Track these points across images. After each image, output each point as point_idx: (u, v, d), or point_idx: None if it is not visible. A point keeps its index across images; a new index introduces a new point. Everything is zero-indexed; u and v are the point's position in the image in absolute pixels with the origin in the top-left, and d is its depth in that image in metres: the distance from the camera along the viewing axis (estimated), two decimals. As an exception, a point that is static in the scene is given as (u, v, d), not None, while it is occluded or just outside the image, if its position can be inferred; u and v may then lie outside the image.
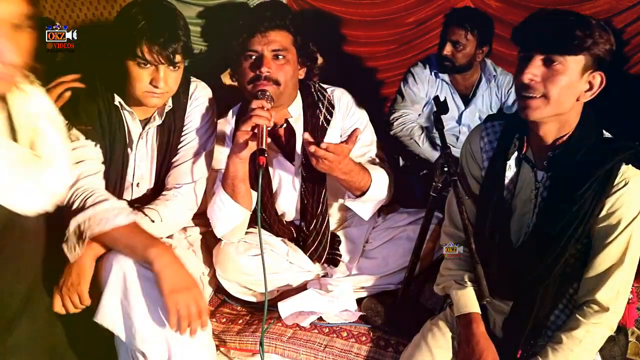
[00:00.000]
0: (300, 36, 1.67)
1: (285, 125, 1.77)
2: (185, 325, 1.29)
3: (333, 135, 1.76)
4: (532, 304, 1.30)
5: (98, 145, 1.53)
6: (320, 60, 3.10)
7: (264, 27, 1.59)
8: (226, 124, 1.76)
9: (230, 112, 1.79)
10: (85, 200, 1.41)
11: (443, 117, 1.63)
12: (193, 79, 1.70)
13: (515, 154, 1.34)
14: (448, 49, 2.42)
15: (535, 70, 1.18)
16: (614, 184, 1.21)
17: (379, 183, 1.67)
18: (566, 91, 1.18)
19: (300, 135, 1.74)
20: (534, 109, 1.21)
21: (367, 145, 1.78)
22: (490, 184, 1.36)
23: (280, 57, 1.60)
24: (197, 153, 1.64)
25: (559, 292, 1.30)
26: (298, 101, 1.75)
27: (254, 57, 1.60)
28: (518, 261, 1.31)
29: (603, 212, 1.22)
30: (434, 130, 2.60)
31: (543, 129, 1.26)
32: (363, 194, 1.66)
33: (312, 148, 1.47)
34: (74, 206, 1.42)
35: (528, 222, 1.33)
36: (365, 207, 1.72)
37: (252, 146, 1.47)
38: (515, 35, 1.23)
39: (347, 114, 1.78)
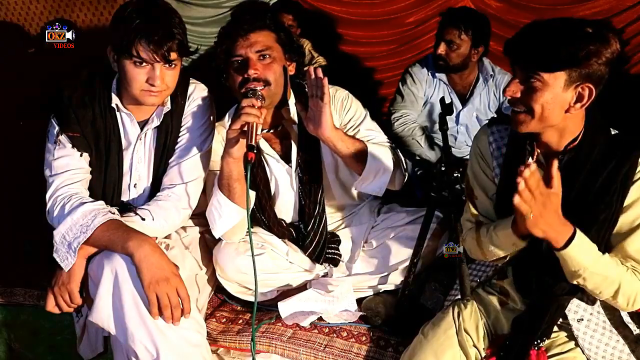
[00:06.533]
0: (283, 32, 1.67)
1: (280, 127, 1.77)
2: (167, 314, 1.34)
3: None
4: (550, 304, 1.31)
5: (84, 155, 1.57)
6: (323, 61, 3.12)
7: (244, 30, 1.59)
8: (223, 127, 1.76)
9: (227, 115, 1.80)
10: (64, 207, 1.48)
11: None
12: (192, 80, 1.70)
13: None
14: (442, 49, 2.43)
15: (514, 86, 1.20)
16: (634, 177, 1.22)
17: (376, 151, 1.67)
18: (550, 105, 1.18)
19: (295, 137, 1.75)
20: (520, 123, 1.23)
21: (367, 136, 1.77)
22: (511, 191, 1.36)
23: (266, 56, 1.60)
24: (193, 154, 1.64)
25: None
26: (293, 101, 1.75)
27: (239, 62, 1.60)
28: (547, 262, 1.30)
29: (625, 203, 1.23)
30: (433, 130, 2.62)
31: (543, 138, 1.27)
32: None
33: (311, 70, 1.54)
34: (55, 213, 1.49)
35: None
36: (374, 184, 1.69)
37: (244, 144, 1.46)
38: (504, 49, 1.24)
39: (343, 110, 1.78)
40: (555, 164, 1.11)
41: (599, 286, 1.21)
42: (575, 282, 1.22)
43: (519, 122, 1.23)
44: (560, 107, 1.19)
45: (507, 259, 1.37)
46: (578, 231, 1.17)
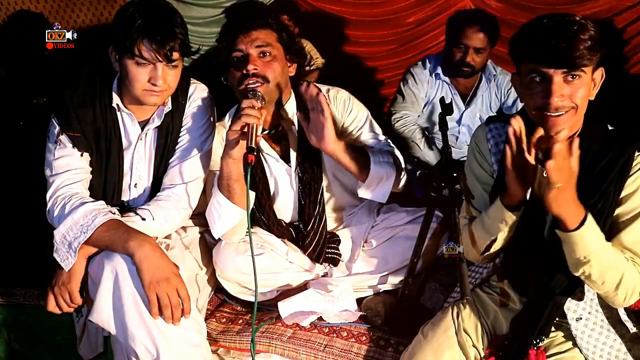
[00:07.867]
0: (284, 33, 1.67)
1: (280, 127, 1.77)
2: (168, 314, 1.35)
3: None
4: (547, 301, 1.31)
5: (84, 154, 1.57)
6: (321, 60, 3.12)
7: (245, 27, 1.60)
8: (223, 127, 1.76)
9: (227, 115, 1.80)
10: (64, 207, 1.48)
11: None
12: (193, 80, 1.71)
13: None
14: (471, 56, 2.39)
15: (561, 90, 1.18)
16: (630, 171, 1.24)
17: (379, 159, 1.68)
18: (586, 97, 1.22)
19: (294, 137, 1.74)
20: (564, 123, 1.20)
21: (369, 139, 1.78)
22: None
23: (267, 54, 1.61)
24: (194, 154, 1.64)
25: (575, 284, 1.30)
26: (292, 102, 1.75)
27: (239, 57, 1.61)
28: (545, 258, 1.31)
29: (622, 195, 1.25)
30: (434, 131, 2.61)
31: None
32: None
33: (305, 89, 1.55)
34: (55, 212, 1.49)
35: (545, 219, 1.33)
36: (377, 191, 1.69)
37: (244, 145, 1.46)
38: (536, 59, 1.20)
39: (345, 112, 1.78)
40: (576, 142, 1.11)
41: (603, 275, 1.20)
42: (579, 272, 1.21)
43: (562, 123, 1.20)
44: (589, 96, 1.23)
45: (498, 246, 1.36)
46: (589, 214, 1.18)
